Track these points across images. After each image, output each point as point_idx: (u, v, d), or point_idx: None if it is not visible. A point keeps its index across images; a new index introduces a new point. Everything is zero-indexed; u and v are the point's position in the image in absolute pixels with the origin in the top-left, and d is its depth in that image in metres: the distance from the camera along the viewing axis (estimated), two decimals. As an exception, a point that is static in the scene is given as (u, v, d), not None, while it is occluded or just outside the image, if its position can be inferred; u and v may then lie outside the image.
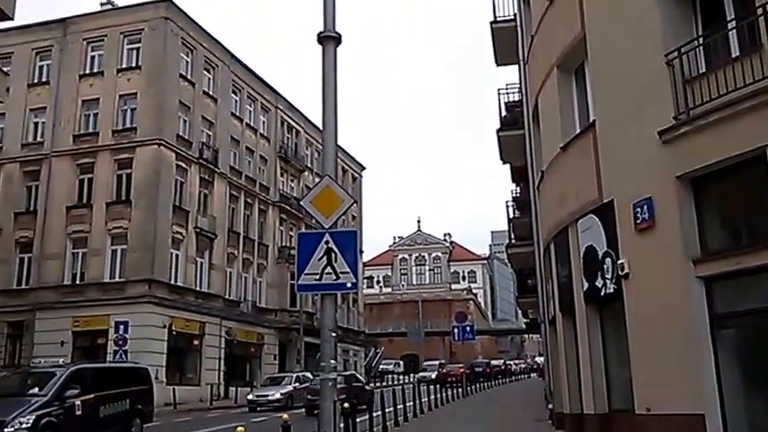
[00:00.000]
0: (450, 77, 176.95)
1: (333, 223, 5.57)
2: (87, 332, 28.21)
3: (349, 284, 5.40)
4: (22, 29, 31.02)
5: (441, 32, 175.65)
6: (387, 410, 14.61)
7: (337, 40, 5.72)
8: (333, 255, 5.36)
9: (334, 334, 5.34)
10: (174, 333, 29.32)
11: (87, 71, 31.92)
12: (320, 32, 5.73)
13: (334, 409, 5.12)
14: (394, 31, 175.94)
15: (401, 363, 58.88)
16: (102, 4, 34.20)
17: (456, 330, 26.42)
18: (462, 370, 33.71)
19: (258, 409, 24.24)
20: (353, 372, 33.77)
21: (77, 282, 29.68)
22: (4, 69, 26.19)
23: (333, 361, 5.27)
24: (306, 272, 5.46)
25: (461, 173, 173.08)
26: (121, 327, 24.54)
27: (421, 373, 43.33)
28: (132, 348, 24.34)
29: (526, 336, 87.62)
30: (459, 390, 27.84)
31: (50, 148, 31.24)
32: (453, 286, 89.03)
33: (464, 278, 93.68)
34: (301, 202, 5.90)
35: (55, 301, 28.94)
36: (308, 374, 27.40)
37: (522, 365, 62.62)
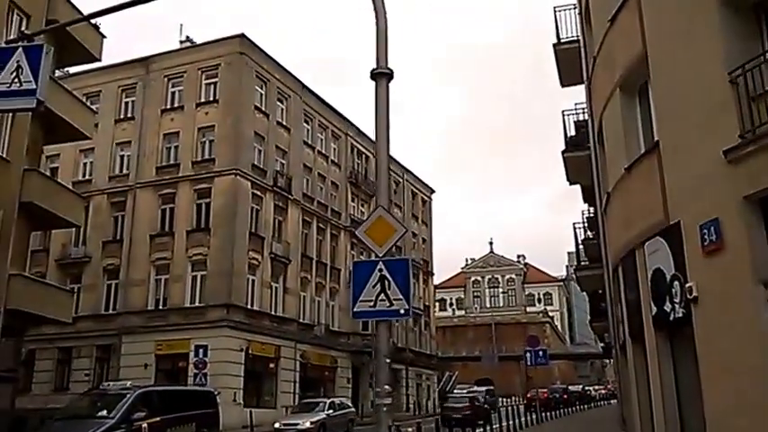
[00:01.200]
0: (519, 95, 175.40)
1: (386, 252, 5.75)
2: (169, 355, 29.26)
3: (402, 311, 5.57)
4: (108, 68, 33.09)
5: (503, 52, 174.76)
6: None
7: (389, 75, 5.97)
8: (386, 282, 5.55)
9: (389, 360, 5.50)
10: (250, 356, 30.08)
11: (168, 106, 33.67)
12: (373, 69, 5.99)
13: (389, 432, 5.25)
14: (461, 54, 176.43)
15: (475, 387, 57.98)
16: (181, 42, 36.11)
17: (528, 355, 25.94)
18: (546, 395, 33.37)
19: None
20: (475, 394, 34.03)
21: (160, 307, 30.96)
22: (93, 107, 28.19)
23: (387, 386, 5.42)
24: (361, 299, 5.67)
25: (535, 192, 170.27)
26: (201, 350, 25.29)
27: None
28: (211, 371, 25.06)
29: (607, 360, 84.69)
30: (535, 415, 27.27)
31: (135, 179, 33.03)
32: (528, 309, 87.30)
33: (540, 300, 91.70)
34: (356, 233, 6.13)
35: (139, 325, 30.35)
36: (347, 401, 26.39)
37: (603, 391, 60.44)
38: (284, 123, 35.86)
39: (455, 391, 43.25)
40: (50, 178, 24.60)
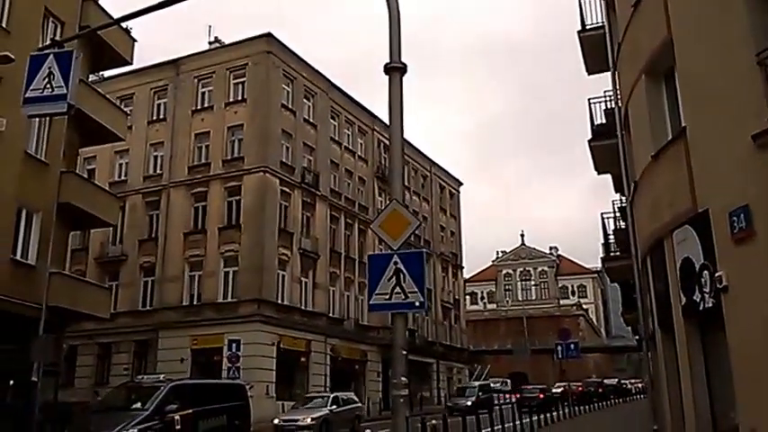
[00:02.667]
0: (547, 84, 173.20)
1: (401, 244, 5.78)
2: (204, 350, 29.81)
3: (417, 303, 5.60)
4: (140, 71, 33.71)
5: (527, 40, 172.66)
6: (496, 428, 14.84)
7: (402, 69, 5.99)
8: (401, 275, 5.59)
9: (404, 352, 5.54)
10: (282, 350, 30.49)
11: (198, 106, 34.21)
12: (387, 64, 6.01)
13: (407, 424, 5.31)
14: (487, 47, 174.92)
15: (508, 381, 57.70)
16: (210, 43, 36.60)
17: (559, 348, 25.74)
18: (582, 388, 33.74)
19: None
20: (484, 383, 37.03)
21: (194, 302, 31.58)
22: (127, 109, 28.82)
23: (404, 378, 5.47)
24: (377, 292, 5.72)
25: (569, 184, 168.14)
26: (234, 345, 25.71)
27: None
28: (244, 365, 25.44)
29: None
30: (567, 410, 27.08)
31: (168, 179, 33.67)
32: (562, 301, 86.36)
33: (573, 293, 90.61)
34: (371, 227, 6.18)
35: (175, 320, 30.96)
36: (352, 395, 25.86)
37: (639, 385, 59.54)
38: (311, 120, 36.11)
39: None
40: (87, 180, 25.29)
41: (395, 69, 5.97)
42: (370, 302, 5.77)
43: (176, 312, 31.37)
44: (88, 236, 33.04)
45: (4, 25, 18.29)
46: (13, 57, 14.90)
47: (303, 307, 33.22)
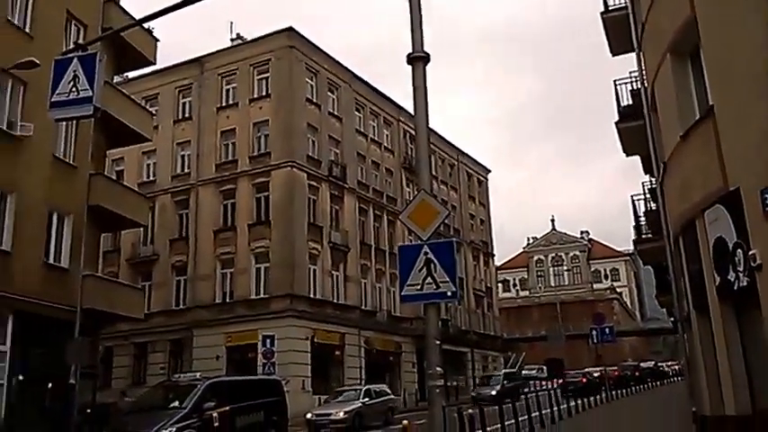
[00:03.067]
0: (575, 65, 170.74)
1: (431, 234, 5.78)
2: (239, 347, 30.11)
3: (449, 293, 5.61)
4: (164, 71, 34.11)
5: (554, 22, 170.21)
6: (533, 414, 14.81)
7: (425, 59, 5.97)
8: (432, 265, 5.60)
9: (438, 342, 5.56)
10: (316, 344, 30.70)
11: (223, 104, 34.47)
12: (409, 54, 6.00)
13: (444, 414, 5.34)
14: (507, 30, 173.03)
15: (544, 368, 57.35)
16: (232, 40, 36.84)
17: (594, 333, 25.52)
18: (618, 373, 33.85)
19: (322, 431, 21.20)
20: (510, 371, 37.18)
21: (227, 300, 31.89)
22: (152, 109, 29.18)
23: (439, 368, 5.49)
24: (408, 283, 5.74)
25: (598, 167, 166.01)
26: (268, 340, 25.82)
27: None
28: (279, 361, 25.61)
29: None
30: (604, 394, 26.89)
31: (196, 177, 34.03)
32: (595, 286, 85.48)
33: (606, 277, 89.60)
34: (399, 218, 6.20)
35: (209, 318, 31.36)
36: (385, 387, 25.67)
37: (676, 367, 58.72)
38: (336, 113, 36.17)
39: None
40: (116, 181, 25.71)
41: (418, 59, 5.96)
42: (402, 294, 5.80)
43: (209, 310, 31.77)
44: (119, 237, 33.55)
45: (27, 30, 18.61)
46: (37, 62, 15.12)
47: (335, 300, 33.39)
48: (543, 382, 46.12)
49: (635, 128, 15.90)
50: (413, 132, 42.52)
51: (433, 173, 45.18)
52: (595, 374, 36.13)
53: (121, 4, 22.74)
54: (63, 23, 20.00)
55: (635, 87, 18.29)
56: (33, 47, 17.65)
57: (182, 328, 31.86)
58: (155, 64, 25.52)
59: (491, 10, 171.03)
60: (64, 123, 18.44)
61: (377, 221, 38.51)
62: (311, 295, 31.63)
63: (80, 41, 17.26)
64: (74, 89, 7.34)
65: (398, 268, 5.95)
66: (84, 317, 18.87)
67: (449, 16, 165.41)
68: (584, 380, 35.50)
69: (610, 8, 16.28)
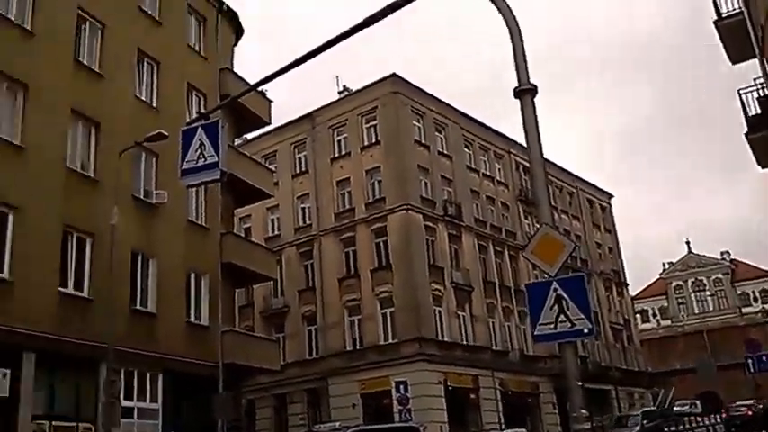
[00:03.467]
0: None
1: (558, 269, 5.46)
2: (373, 393, 30.01)
3: (585, 330, 5.24)
4: (279, 129, 35.70)
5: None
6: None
7: (533, 91, 5.76)
8: (563, 302, 5.27)
9: (579, 382, 5.18)
10: (449, 388, 29.97)
11: (336, 154, 35.49)
12: (516, 87, 5.82)
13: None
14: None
15: (698, 402, 52.68)
16: (339, 93, 38.15)
17: (750, 362, 23.19)
18: None
19: None
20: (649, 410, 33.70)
21: (357, 347, 32.04)
22: (272, 167, 30.63)
23: (583, 410, 5.09)
24: (540, 322, 5.43)
25: (726, 181, 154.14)
26: (401, 386, 25.65)
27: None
28: (415, 406, 25.24)
29: None
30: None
31: (318, 228, 35.05)
32: (744, 309, 78.37)
33: (755, 299, 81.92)
34: (523, 254, 5.93)
35: (341, 366, 31.65)
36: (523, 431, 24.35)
37: None
38: (445, 152, 36.23)
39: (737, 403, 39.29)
40: (244, 238, 27.00)
41: (525, 92, 5.77)
42: (535, 333, 5.49)
43: (341, 358, 32.13)
44: (251, 291, 35.02)
45: (154, 105, 20.28)
46: (166, 133, 16.27)
47: (464, 342, 32.75)
48: (699, 418, 42.29)
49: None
50: (525, 164, 42.13)
51: (552, 203, 43.85)
52: (759, 406, 33.35)
53: (235, 70, 24.30)
54: (185, 95, 21.64)
55: (762, 95, 16.91)
56: (161, 120, 19.18)
57: (316, 377, 32.30)
58: (270, 123, 26.90)
59: (594, 32, 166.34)
60: (194, 188, 19.71)
61: (498, 258, 37.71)
62: (439, 338, 31.22)
63: (201, 110, 18.62)
64: (201, 156, 7.77)
65: (528, 307, 5.64)
66: (226, 371, 19.63)
67: (551, 43, 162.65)
68: (750, 412, 33.46)
69: (723, 15, 15.27)
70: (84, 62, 18.24)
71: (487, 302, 35.33)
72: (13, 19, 16.29)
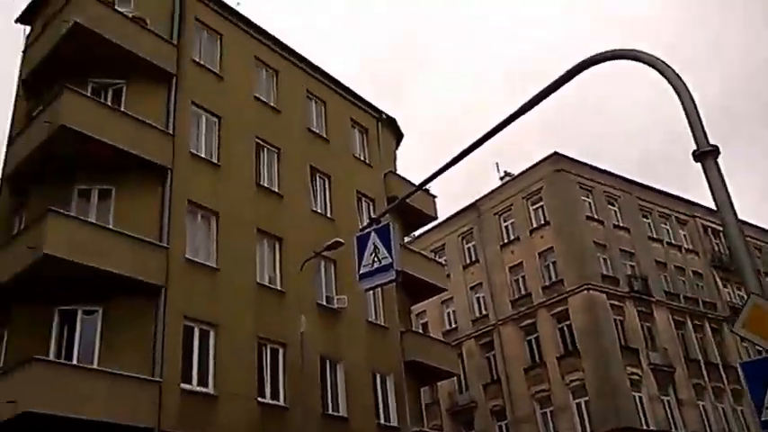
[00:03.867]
0: None
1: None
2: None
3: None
4: (445, 222, 36.28)
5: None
6: None
7: (714, 152, 5.31)
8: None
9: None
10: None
11: (505, 240, 35.12)
12: (694, 151, 5.42)
13: None
14: None
15: None
16: (501, 178, 38.18)
17: None
18: None
19: None
20: None
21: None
22: (441, 260, 30.90)
23: None
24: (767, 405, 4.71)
25: None
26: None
27: None
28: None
29: None
30: None
31: (495, 318, 34.32)
32: None
33: None
34: (733, 330, 5.27)
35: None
36: None
37: None
38: (622, 225, 34.39)
39: None
40: (424, 334, 27.08)
41: (705, 155, 5.33)
42: (762, 419, 4.76)
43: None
44: (436, 388, 34.54)
45: (329, 215, 21.60)
46: (342, 241, 17.18)
47: (674, 430, 29.52)
48: None
49: None
50: (715, 227, 38.66)
51: (755, 267, 39.36)
52: None
53: (398, 171, 25.40)
54: (355, 203, 22.92)
55: None
56: (335, 228, 20.43)
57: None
58: (437, 218, 27.42)
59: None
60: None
61: (698, 332, 34.15)
62: (643, 426, 28.41)
63: (372, 215, 19.54)
64: (375, 259, 8.09)
65: (747, 389, 4.95)
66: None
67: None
68: None
69: None
70: (265, 185, 20.06)
71: (695, 383, 31.80)
72: (202, 156, 18.47)
